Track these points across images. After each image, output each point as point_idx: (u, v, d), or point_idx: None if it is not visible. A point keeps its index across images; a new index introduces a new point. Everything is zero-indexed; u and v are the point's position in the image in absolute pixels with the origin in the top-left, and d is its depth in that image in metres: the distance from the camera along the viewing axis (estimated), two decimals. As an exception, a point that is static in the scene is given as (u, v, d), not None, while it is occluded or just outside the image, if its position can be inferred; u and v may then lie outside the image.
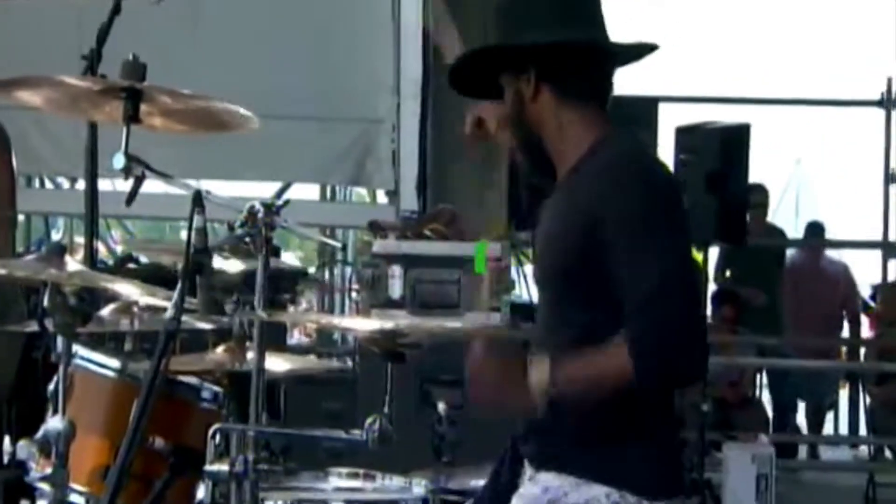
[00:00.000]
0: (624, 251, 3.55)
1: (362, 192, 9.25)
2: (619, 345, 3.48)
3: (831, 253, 12.98)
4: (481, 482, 4.00)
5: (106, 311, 4.04)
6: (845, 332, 13.19)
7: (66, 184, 7.45)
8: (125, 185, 3.81)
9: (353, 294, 4.01)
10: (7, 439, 4.00)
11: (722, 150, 8.69)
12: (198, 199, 3.36)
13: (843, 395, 13.31)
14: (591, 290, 3.64)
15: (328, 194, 9.51)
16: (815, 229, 12.91)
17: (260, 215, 3.40)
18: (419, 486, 3.85)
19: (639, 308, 3.51)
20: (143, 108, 3.64)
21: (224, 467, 3.45)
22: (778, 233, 13.05)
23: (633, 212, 3.59)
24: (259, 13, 7.55)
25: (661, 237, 3.61)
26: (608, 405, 3.68)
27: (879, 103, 11.86)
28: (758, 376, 12.15)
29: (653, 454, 3.75)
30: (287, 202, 3.56)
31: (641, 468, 3.68)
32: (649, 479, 3.68)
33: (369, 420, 3.60)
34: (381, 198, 9.08)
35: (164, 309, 3.61)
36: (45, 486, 3.73)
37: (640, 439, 3.72)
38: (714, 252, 10.73)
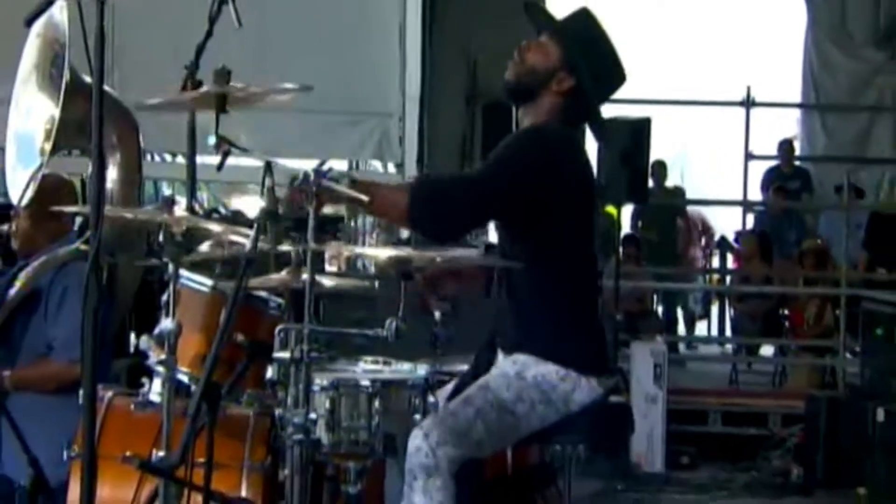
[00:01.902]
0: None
1: (377, 164, 9.16)
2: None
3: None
4: (466, 366, 4.02)
5: (202, 246, 4.03)
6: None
7: (168, 157, 7.37)
8: (213, 159, 3.83)
9: (374, 235, 3.98)
10: (132, 336, 3.98)
11: (631, 136, 8.73)
12: (268, 167, 3.38)
13: (715, 309, 13.35)
14: None
15: (354, 167, 9.54)
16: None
17: (311, 177, 3.41)
18: (422, 369, 3.86)
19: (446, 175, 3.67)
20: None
21: (286, 355, 3.47)
22: (680, 192, 13.16)
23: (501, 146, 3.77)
24: (303, 37, 7.52)
25: (508, 162, 3.74)
26: (557, 307, 3.73)
27: (741, 104, 11.90)
28: (654, 295, 12.21)
29: (587, 343, 3.80)
30: (330, 169, 3.56)
31: (580, 352, 3.73)
32: (586, 360, 3.73)
33: (388, 321, 3.61)
34: (391, 168, 9.06)
35: (243, 243, 3.64)
36: (159, 369, 3.75)
37: (577, 333, 3.78)
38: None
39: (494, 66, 9.63)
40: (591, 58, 3.86)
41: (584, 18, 3.96)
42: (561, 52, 3.82)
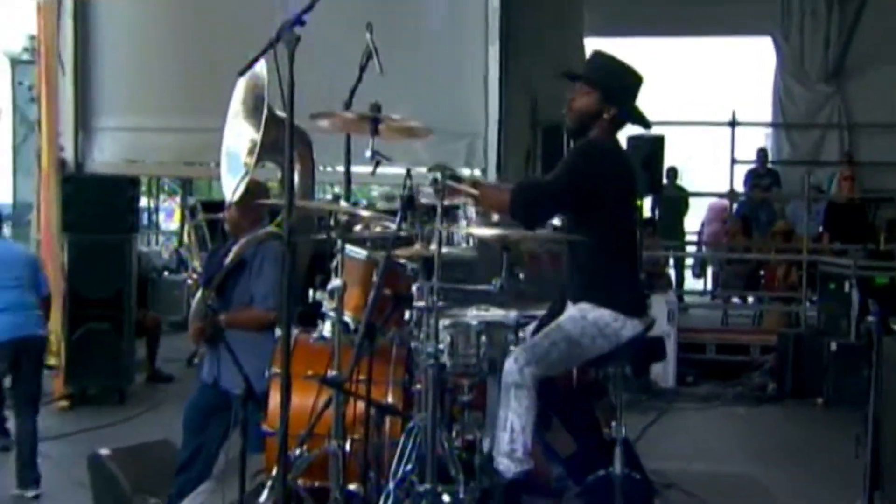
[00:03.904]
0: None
1: (467, 170, 9.09)
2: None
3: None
4: (543, 312, 4.02)
5: (358, 227, 4.06)
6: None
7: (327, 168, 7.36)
8: (366, 168, 3.86)
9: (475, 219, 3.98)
10: (310, 291, 4.02)
11: (650, 149, 8.67)
12: (408, 173, 3.40)
13: (709, 271, 13.22)
14: None
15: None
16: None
17: (439, 177, 3.42)
18: (512, 314, 3.86)
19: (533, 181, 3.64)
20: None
21: (421, 303, 3.50)
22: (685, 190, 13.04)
23: (565, 158, 3.76)
24: (419, 82, 7.52)
25: (568, 170, 3.68)
26: (608, 268, 3.72)
27: (729, 123, 11.75)
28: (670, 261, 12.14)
29: (631, 293, 3.79)
30: (452, 172, 3.56)
31: (626, 300, 3.72)
32: (630, 306, 3.71)
33: (494, 280, 3.62)
34: (477, 173, 9.00)
35: (389, 226, 3.67)
36: (331, 314, 3.79)
37: (623, 286, 3.77)
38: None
39: (548, 101, 9.70)
40: (617, 81, 3.81)
41: (599, 59, 3.91)
42: (598, 93, 3.77)
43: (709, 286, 13.08)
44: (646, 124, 3.94)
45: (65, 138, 8.33)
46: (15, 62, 11.06)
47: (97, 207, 8.16)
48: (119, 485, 5.13)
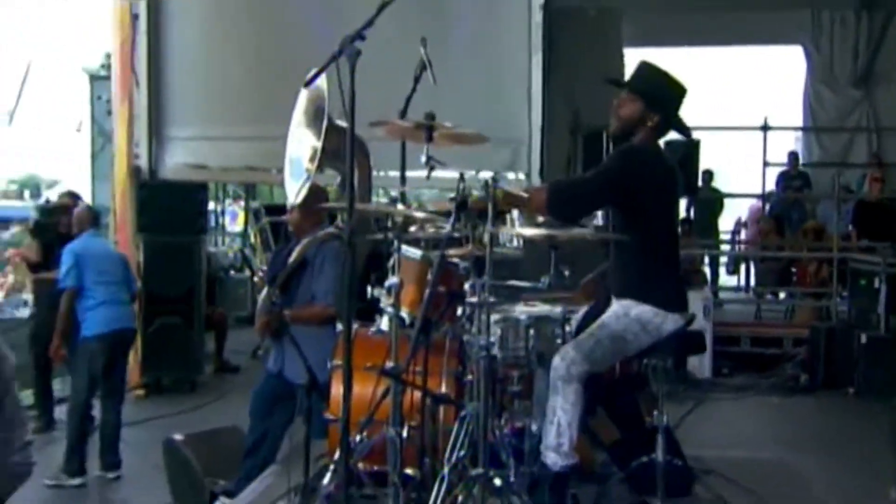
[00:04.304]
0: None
1: (512, 174, 9.05)
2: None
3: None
4: (587, 308, 3.98)
5: (413, 227, 4.06)
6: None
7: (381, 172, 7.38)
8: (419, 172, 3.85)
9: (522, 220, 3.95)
10: (369, 288, 4.01)
11: (686, 152, 8.63)
12: (461, 177, 3.39)
13: (742, 267, 13.07)
14: None
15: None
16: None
17: (490, 181, 3.41)
18: (558, 308, 3.85)
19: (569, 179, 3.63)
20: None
21: (474, 299, 3.49)
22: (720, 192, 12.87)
23: (606, 160, 3.73)
24: (470, 91, 7.50)
25: (604, 170, 3.64)
26: (650, 266, 3.68)
27: (761, 128, 11.60)
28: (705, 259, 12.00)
29: (672, 290, 3.74)
30: (501, 177, 3.55)
31: (667, 296, 3.67)
32: (671, 302, 3.67)
33: (543, 277, 3.61)
34: (521, 177, 8.97)
35: (443, 227, 3.66)
36: (388, 309, 3.79)
37: (665, 283, 3.72)
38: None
39: (589, 109, 9.65)
40: (661, 91, 3.77)
41: (646, 69, 3.86)
42: (642, 101, 3.72)
43: (742, 282, 12.91)
44: (687, 133, 3.90)
45: (139, 147, 8.46)
46: (93, 78, 11.24)
47: (170, 211, 8.29)
48: (192, 468, 5.19)
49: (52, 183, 25.50)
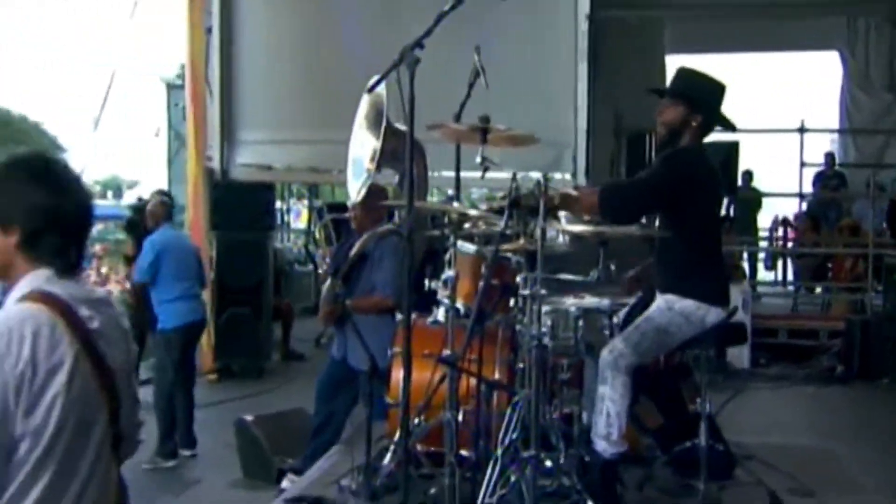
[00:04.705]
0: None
1: (558, 175, 8.99)
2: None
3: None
4: (632, 301, 3.96)
5: (466, 224, 4.05)
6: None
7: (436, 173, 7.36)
8: (472, 173, 3.83)
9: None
10: (426, 281, 4.02)
11: (726, 154, 8.51)
12: (514, 177, 3.37)
13: (780, 263, 12.85)
14: None
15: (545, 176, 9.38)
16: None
17: (541, 180, 3.38)
18: (606, 301, 3.81)
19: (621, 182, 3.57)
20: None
21: (525, 292, 3.48)
22: (759, 191, 12.63)
23: (655, 163, 3.65)
24: (520, 96, 7.43)
25: (653, 177, 3.59)
26: (694, 262, 3.62)
27: (798, 130, 11.38)
28: (744, 255, 11.82)
29: (714, 284, 3.68)
30: (552, 177, 3.51)
31: (710, 290, 3.62)
32: (714, 295, 3.62)
33: (592, 271, 3.58)
34: (567, 177, 8.90)
35: (496, 223, 3.64)
36: (444, 301, 3.79)
37: (708, 278, 3.67)
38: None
39: (630, 114, 9.57)
40: (699, 92, 3.71)
41: (683, 73, 3.81)
42: (684, 105, 3.67)
43: (779, 277, 12.69)
44: (731, 127, 3.83)
45: (212, 150, 8.58)
46: (170, 87, 11.43)
47: (240, 209, 8.41)
48: (261, 446, 5.27)
49: (133, 184, 26.04)
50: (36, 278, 1.83)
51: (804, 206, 11.85)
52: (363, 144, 4.16)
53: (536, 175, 3.52)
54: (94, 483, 1.83)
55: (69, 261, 1.86)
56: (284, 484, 4.65)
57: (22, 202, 1.82)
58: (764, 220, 12.92)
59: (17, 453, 1.73)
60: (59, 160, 1.96)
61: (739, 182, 10.65)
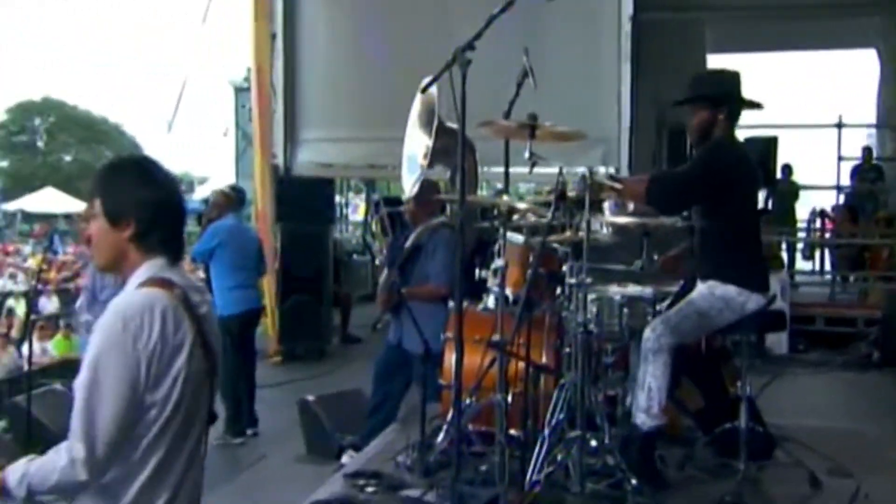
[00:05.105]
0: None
1: (603, 168, 8.89)
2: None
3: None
4: (675, 288, 3.89)
5: (515, 216, 4.02)
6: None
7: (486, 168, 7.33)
8: (520, 168, 3.79)
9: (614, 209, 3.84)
10: (476, 270, 4.01)
11: (765, 148, 8.34)
12: (560, 171, 3.34)
13: (817, 253, 12.56)
14: None
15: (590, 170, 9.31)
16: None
17: (587, 174, 3.35)
18: (649, 289, 3.76)
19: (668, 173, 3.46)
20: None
21: (572, 280, 3.45)
22: (797, 184, 12.35)
23: (698, 156, 3.56)
24: (567, 94, 7.35)
25: (694, 167, 3.54)
26: (734, 250, 3.56)
27: (836, 125, 11.10)
28: (782, 244, 11.56)
29: (755, 271, 3.61)
30: (597, 171, 3.47)
31: (750, 277, 3.55)
32: (754, 282, 3.55)
33: (636, 261, 3.53)
34: (612, 170, 8.80)
35: (544, 215, 3.61)
36: (494, 289, 3.76)
37: (748, 265, 3.60)
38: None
39: (672, 111, 9.39)
40: (715, 87, 3.65)
41: (696, 78, 3.78)
42: (706, 105, 3.62)
43: (817, 267, 12.41)
44: (756, 106, 3.75)
45: (276, 148, 8.68)
46: (237, 90, 11.59)
47: (303, 203, 8.50)
48: (323, 424, 5.32)
49: (203, 180, 26.44)
50: (153, 266, 1.91)
51: (842, 198, 11.53)
52: (417, 142, 4.16)
53: (582, 170, 3.50)
54: (196, 460, 1.94)
55: (175, 251, 1.95)
56: (344, 459, 4.69)
57: (133, 198, 1.90)
58: (802, 212, 12.63)
59: (144, 422, 1.83)
60: (156, 160, 2.04)
61: (779, 175, 10.41)
